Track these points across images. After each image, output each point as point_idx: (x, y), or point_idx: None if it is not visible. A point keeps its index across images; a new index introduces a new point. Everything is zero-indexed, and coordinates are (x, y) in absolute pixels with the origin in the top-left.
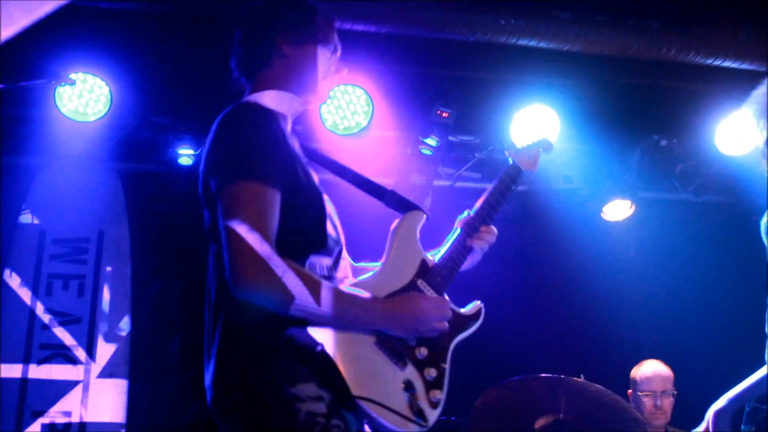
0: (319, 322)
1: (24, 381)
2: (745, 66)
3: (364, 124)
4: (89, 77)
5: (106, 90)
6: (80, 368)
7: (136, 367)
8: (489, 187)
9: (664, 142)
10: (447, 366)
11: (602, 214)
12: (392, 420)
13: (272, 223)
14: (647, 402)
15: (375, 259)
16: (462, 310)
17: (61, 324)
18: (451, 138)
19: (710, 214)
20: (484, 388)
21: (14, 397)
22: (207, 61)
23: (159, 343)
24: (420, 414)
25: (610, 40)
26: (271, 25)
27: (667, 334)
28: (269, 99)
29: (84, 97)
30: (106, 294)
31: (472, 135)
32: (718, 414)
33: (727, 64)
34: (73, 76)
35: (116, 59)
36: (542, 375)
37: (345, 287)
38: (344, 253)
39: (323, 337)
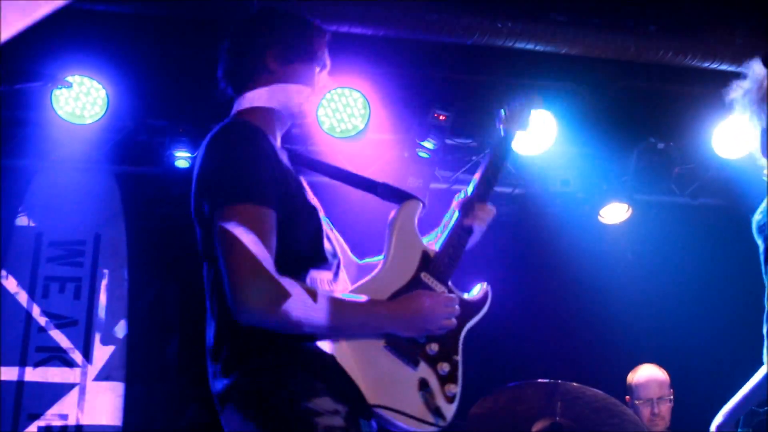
0: (329, 336)
1: (20, 384)
2: (741, 69)
3: (361, 127)
4: (86, 80)
5: (102, 92)
6: (77, 371)
7: (133, 370)
8: (482, 163)
9: (661, 145)
10: (459, 358)
11: (599, 217)
12: (411, 424)
13: (270, 243)
14: (644, 410)
15: (379, 254)
16: (468, 296)
17: (58, 327)
18: (448, 141)
19: (707, 217)
20: (480, 392)
21: (10, 400)
22: (204, 64)
23: (156, 346)
24: (437, 412)
25: (608, 43)
26: (261, 41)
27: (664, 336)
28: (258, 116)
29: (81, 100)
30: (102, 297)
31: (470, 138)
32: (720, 430)
33: (724, 67)
34: (69, 78)
35: (113, 62)
36: (538, 381)
37: (347, 295)
38: (343, 265)
39: (333, 348)
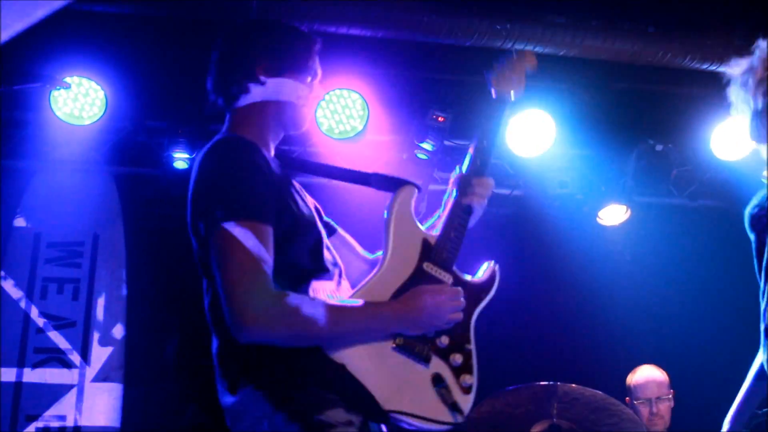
0: (336, 344)
1: (18, 385)
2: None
3: (360, 128)
4: (84, 81)
5: (101, 93)
6: (75, 372)
7: (131, 371)
8: (476, 133)
9: (659, 147)
10: (472, 346)
11: (598, 219)
12: (429, 424)
13: (268, 259)
14: (643, 410)
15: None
16: (474, 279)
17: (56, 328)
18: (446, 142)
19: (705, 219)
20: (479, 394)
21: (8, 401)
22: (203, 65)
23: (154, 347)
24: (454, 407)
25: (606, 44)
26: (250, 53)
27: (663, 337)
28: (250, 129)
29: (79, 101)
30: (100, 298)
31: (468, 139)
32: None
33: (723, 69)
34: (68, 79)
35: (111, 63)
36: (536, 383)
37: (348, 300)
38: (344, 273)
39: (342, 356)
